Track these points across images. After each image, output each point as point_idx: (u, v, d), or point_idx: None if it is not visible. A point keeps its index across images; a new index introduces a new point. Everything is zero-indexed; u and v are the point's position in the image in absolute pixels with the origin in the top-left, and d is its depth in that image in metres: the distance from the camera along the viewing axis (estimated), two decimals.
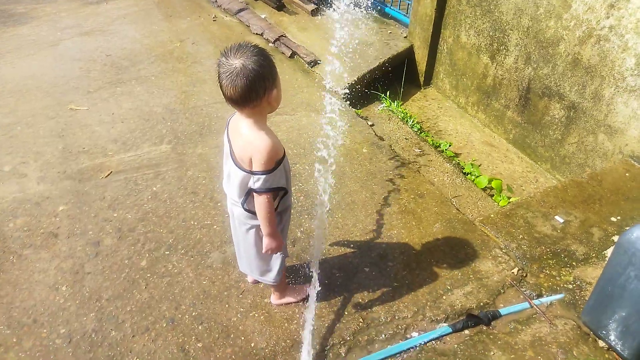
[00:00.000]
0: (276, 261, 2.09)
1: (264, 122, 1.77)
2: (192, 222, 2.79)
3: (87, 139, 3.46)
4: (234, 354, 2.11)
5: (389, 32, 4.85)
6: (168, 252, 2.59)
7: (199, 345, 2.15)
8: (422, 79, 4.63)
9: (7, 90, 4.02)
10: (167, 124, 3.66)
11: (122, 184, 3.06)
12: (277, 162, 1.76)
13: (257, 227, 1.95)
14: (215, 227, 2.76)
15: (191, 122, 3.70)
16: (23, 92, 4.01)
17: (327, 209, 2.90)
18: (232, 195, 1.91)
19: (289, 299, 2.32)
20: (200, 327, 2.21)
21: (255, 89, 1.64)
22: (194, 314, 2.28)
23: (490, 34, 3.86)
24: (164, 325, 2.23)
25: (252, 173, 1.75)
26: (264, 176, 1.73)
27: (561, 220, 2.77)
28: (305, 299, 2.31)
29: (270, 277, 2.14)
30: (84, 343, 2.15)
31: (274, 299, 2.32)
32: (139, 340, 2.16)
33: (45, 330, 2.21)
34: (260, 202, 1.79)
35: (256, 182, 1.75)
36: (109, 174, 3.14)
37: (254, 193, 1.79)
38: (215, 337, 2.17)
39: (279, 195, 1.90)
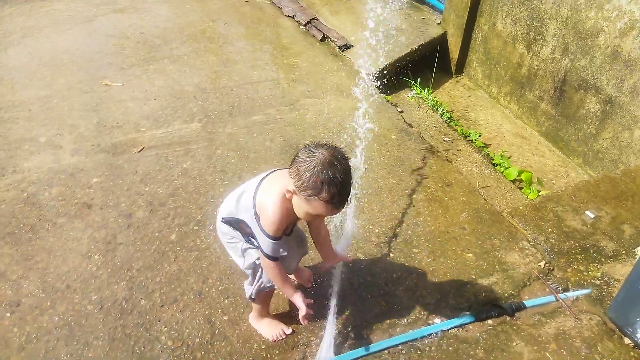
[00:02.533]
0: (250, 282, 2.03)
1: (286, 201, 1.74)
2: (221, 200, 2.82)
3: (121, 115, 3.53)
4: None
5: (422, 17, 4.78)
6: (197, 228, 2.65)
7: (225, 318, 2.21)
8: (454, 67, 4.56)
9: (44, 64, 4.11)
10: (197, 103, 3.71)
11: (153, 159, 3.13)
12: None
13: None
14: None
15: (221, 102, 3.73)
16: (59, 66, 4.10)
17: (354, 193, 2.91)
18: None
19: (261, 329, 2.15)
20: (226, 301, 2.27)
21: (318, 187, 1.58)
22: (220, 288, 2.33)
23: (528, 22, 3.77)
24: (192, 297, 2.29)
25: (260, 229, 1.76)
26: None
27: (592, 216, 2.73)
28: (279, 339, 2.13)
29: (247, 289, 2.05)
30: (114, 310, 2.23)
31: (250, 316, 2.19)
32: (168, 310, 2.23)
33: (77, 296, 2.30)
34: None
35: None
36: (141, 149, 3.20)
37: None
38: (240, 312, 2.22)
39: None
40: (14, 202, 2.77)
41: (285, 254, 1.84)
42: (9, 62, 4.10)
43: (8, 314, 2.20)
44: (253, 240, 1.87)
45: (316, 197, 1.59)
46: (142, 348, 2.08)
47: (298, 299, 1.88)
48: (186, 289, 2.33)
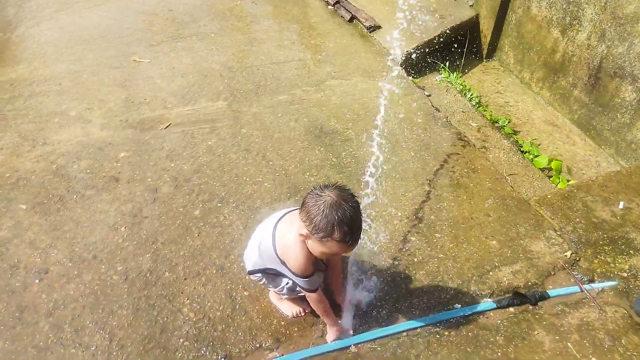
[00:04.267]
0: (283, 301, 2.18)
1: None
2: (244, 178, 2.85)
3: (149, 91, 3.57)
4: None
5: None
6: (220, 205, 2.67)
7: (246, 293, 2.23)
8: (484, 51, 4.44)
9: (75, 39, 4.17)
10: (224, 81, 3.71)
11: (179, 136, 3.16)
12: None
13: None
14: (266, 184, 2.81)
15: (247, 81, 3.73)
16: (89, 41, 4.15)
17: (378, 176, 2.89)
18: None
19: (281, 306, 2.20)
20: (247, 277, 2.29)
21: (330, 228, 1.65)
22: (242, 264, 2.35)
23: (564, 6, 3.64)
24: (214, 271, 2.32)
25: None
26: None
27: (622, 207, 2.65)
28: (299, 316, 2.18)
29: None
30: (139, 281, 2.28)
31: (270, 293, 2.23)
32: (190, 283, 2.27)
33: (103, 266, 2.35)
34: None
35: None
36: (167, 126, 3.23)
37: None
38: (261, 288, 2.25)
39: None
40: (44, 173, 2.84)
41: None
42: (42, 37, 4.17)
43: (37, 281, 2.27)
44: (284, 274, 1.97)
45: (329, 238, 1.65)
46: (165, 319, 2.12)
47: (334, 330, 2.05)
48: (208, 263, 2.36)
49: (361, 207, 1.73)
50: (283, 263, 1.86)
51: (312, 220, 1.65)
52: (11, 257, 2.37)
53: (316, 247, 1.73)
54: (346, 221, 1.63)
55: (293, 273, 1.83)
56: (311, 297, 1.94)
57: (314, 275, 1.86)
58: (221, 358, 2.00)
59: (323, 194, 1.66)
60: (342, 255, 2.02)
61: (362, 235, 1.75)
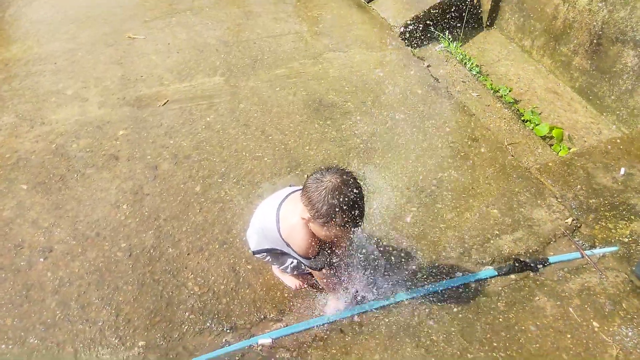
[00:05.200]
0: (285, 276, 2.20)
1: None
2: (244, 153, 2.84)
3: (145, 68, 3.53)
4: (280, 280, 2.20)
5: None
6: (221, 180, 2.67)
7: (249, 267, 2.25)
8: (485, 20, 4.37)
9: (69, 17, 4.10)
10: (220, 56, 3.67)
11: (177, 112, 3.13)
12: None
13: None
14: (266, 159, 2.81)
15: (244, 55, 3.68)
16: (83, 19, 4.09)
17: (377, 149, 2.87)
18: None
19: (284, 278, 2.22)
20: (250, 251, 2.30)
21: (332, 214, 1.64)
22: (244, 238, 2.36)
23: None
24: (217, 246, 2.34)
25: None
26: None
27: (623, 173, 2.65)
28: (302, 288, 2.21)
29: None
30: (143, 257, 2.30)
31: (274, 266, 2.25)
32: (194, 258, 2.29)
33: (107, 244, 2.37)
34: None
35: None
36: (165, 103, 3.21)
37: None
38: (263, 262, 2.26)
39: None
40: (43, 153, 2.84)
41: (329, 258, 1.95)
42: (34, 16, 4.10)
43: (42, 259, 2.29)
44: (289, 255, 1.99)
45: (331, 223, 1.64)
46: (170, 293, 2.15)
47: (336, 305, 2.09)
48: (211, 238, 2.37)
49: (362, 183, 1.72)
50: (288, 245, 1.86)
51: (313, 205, 1.64)
52: (15, 237, 2.39)
53: (319, 231, 1.72)
54: (347, 207, 1.62)
55: (300, 256, 1.84)
56: (317, 275, 1.96)
57: (319, 255, 1.86)
58: (227, 330, 2.03)
59: (324, 179, 1.64)
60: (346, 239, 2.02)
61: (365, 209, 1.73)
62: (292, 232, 1.80)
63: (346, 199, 1.61)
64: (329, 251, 1.97)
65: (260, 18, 4.13)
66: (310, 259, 1.84)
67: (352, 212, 1.63)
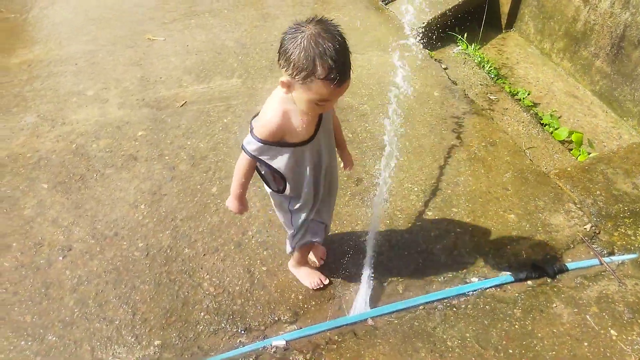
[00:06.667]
0: (291, 236, 1.99)
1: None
2: None
3: (164, 69, 3.57)
4: (295, 279, 2.21)
5: None
6: None
7: (264, 268, 2.26)
8: (504, 21, 4.33)
9: (89, 19, 4.17)
10: (238, 58, 3.69)
11: (195, 114, 3.17)
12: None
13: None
14: None
15: (261, 57, 3.70)
16: (103, 20, 4.15)
17: (393, 151, 2.86)
18: None
19: (300, 276, 2.19)
20: (265, 253, 2.32)
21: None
22: (259, 240, 2.38)
23: None
24: (232, 247, 2.35)
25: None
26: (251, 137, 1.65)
27: None
28: (317, 287, 2.17)
29: (287, 244, 2.07)
30: (159, 257, 2.32)
31: (290, 263, 2.23)
32: (209, 259, 2.31)
33: (125, 243, 2.40)
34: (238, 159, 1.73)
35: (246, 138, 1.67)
36: (183, 104, 3.25)
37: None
38: (278, 263, 2.27)
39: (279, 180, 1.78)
40: (64, 152, 2.89)
41: (283, 168, 1.70)
42: (56, 17, 4.19)
43: (61, 258, 2.33)
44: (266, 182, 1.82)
45: (312, 77, 1.43)
46: (186, 293, 2.17)
47: (234, 202, 1.83)
48: (227, 239, 2.39)
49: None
50: (251, 131, 1.62)
51: (290, 59, 1.42)
52: (35, 235, 2.44)
53: (301, 96, 1.49)
54: (329, 53, 1.39)
55: (252, 134, 1.61)
56: (240, 158, 1.71)
57: (267, 146, 1.62)
58: (241, 331, 2.04)
59: (302, 27, 1.43)
60: (333, 105, 1.65)
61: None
62: (263, 109, 1.59)
63: (327, 44, 1.40)
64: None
65: (278, 20, 4.15)
66: (259, 141, 1.60)
67: (335, 61, 1.41)
